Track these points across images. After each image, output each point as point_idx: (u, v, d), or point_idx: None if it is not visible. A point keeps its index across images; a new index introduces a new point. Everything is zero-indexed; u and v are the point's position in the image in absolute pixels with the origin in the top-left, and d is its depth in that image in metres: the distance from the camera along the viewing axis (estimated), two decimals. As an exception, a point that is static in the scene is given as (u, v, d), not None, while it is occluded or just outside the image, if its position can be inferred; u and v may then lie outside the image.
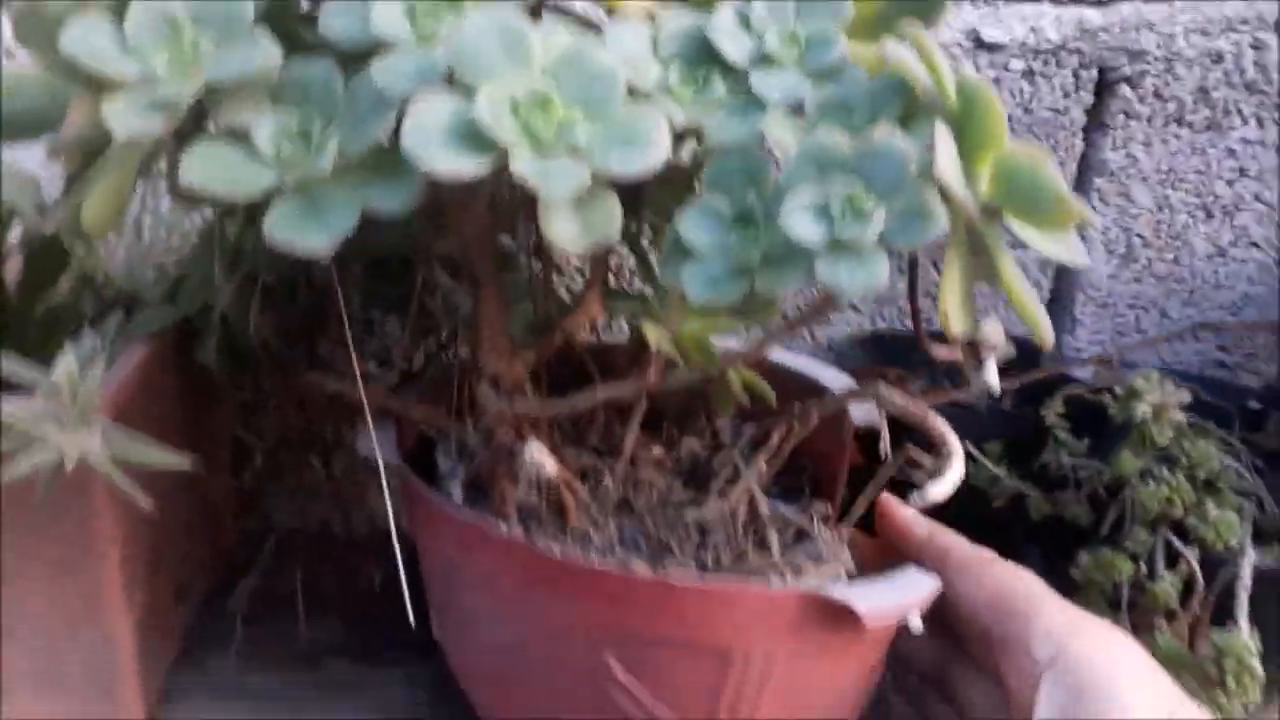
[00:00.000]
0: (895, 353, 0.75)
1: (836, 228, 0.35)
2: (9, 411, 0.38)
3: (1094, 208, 0.80)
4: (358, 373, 0.47)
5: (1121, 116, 0.78)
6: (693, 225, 0.38)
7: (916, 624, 0.43)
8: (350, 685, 0.60)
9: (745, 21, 0.40)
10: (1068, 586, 0.61)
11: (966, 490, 0.66)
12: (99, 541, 0.49)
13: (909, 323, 0.44)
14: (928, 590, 0.44)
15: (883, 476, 0.48)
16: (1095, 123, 0.78)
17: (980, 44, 0.74)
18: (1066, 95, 0.76)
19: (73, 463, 0.38)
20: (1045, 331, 0.38)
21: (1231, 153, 0.80)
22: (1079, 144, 0.79)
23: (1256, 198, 0.82)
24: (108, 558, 0.49)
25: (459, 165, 0.35)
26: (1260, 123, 0.79)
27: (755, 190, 0.38)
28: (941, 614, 0.47)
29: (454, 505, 0.48)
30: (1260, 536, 0.60)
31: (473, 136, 0.35)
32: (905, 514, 0.51)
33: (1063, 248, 0.38)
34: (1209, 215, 0.82)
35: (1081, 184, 0.80)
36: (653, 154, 0.36)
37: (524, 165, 0.35)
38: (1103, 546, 0.58)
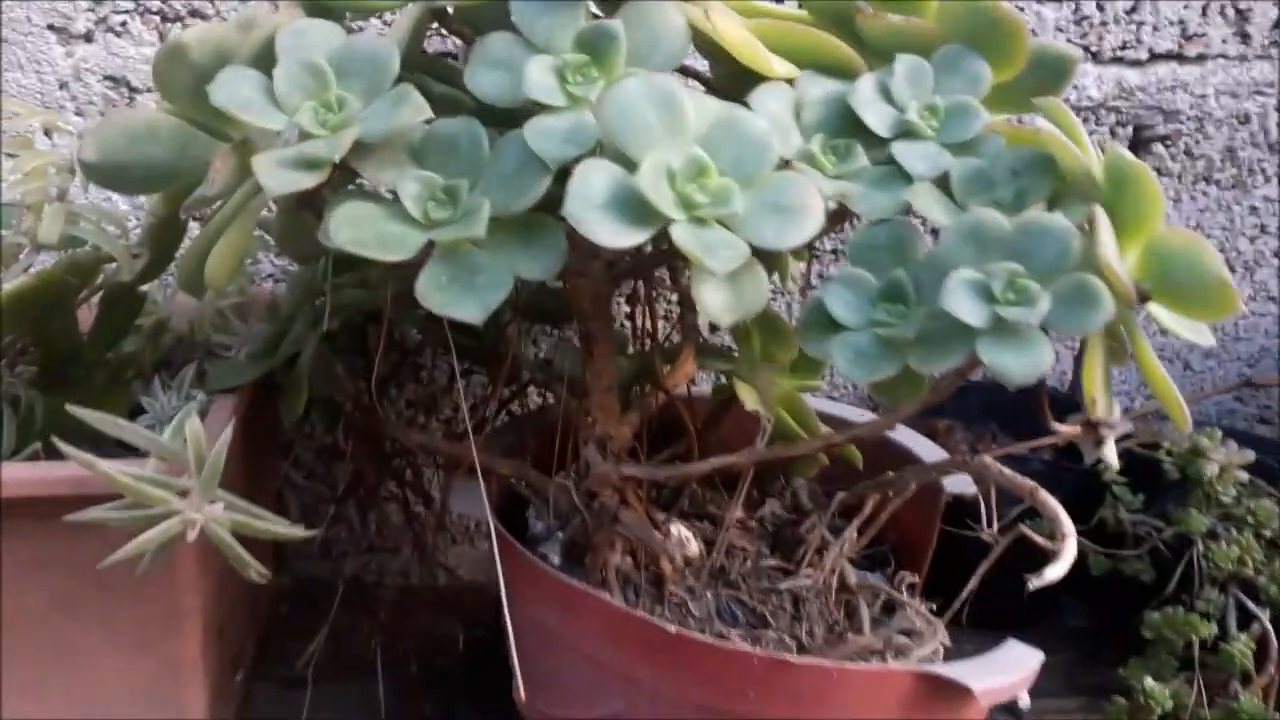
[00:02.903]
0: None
1: (1000, 309, 0.35)
2: (132, 475, 0.36)
3: (1125, 261, 0.82)
4: (469, 425, 0.46)
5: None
6: (837, 297, 0.38)
7: (1025, 701, 0.43)
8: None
9: (886, 92, 0.40)
10: (1127, 643, 0.61)
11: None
12: (182, 617, 0.47)
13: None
14: (1035, 667, 0.44)
15: (994, 555, 0.47)
16: (1129, 179, 0.80)
17: (1025, 101, 0.75)
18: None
19: (195, 534, 0.37)
20: (1183, 416, 0.38)
21: (1254, 210, 0.82)
22: (1113, 199, 0.80)
23: (1275, 254, 0.84)
24: (188, 632, 0.47)
25: (622, 236, 0.34)
26: (1282, 182, 0.82)
27: (903, 264, 0.38)
28: None
29: (556, 572, 0.46)
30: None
31: (633, 206, 0.35)
32: None
33: (1197, 331, 0.38)
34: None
35: (1114, 238, 0.82)
36: (809, 225, 0.36)
37: (684, 236, 0.35)
38: (1170, 605, 0.59)
